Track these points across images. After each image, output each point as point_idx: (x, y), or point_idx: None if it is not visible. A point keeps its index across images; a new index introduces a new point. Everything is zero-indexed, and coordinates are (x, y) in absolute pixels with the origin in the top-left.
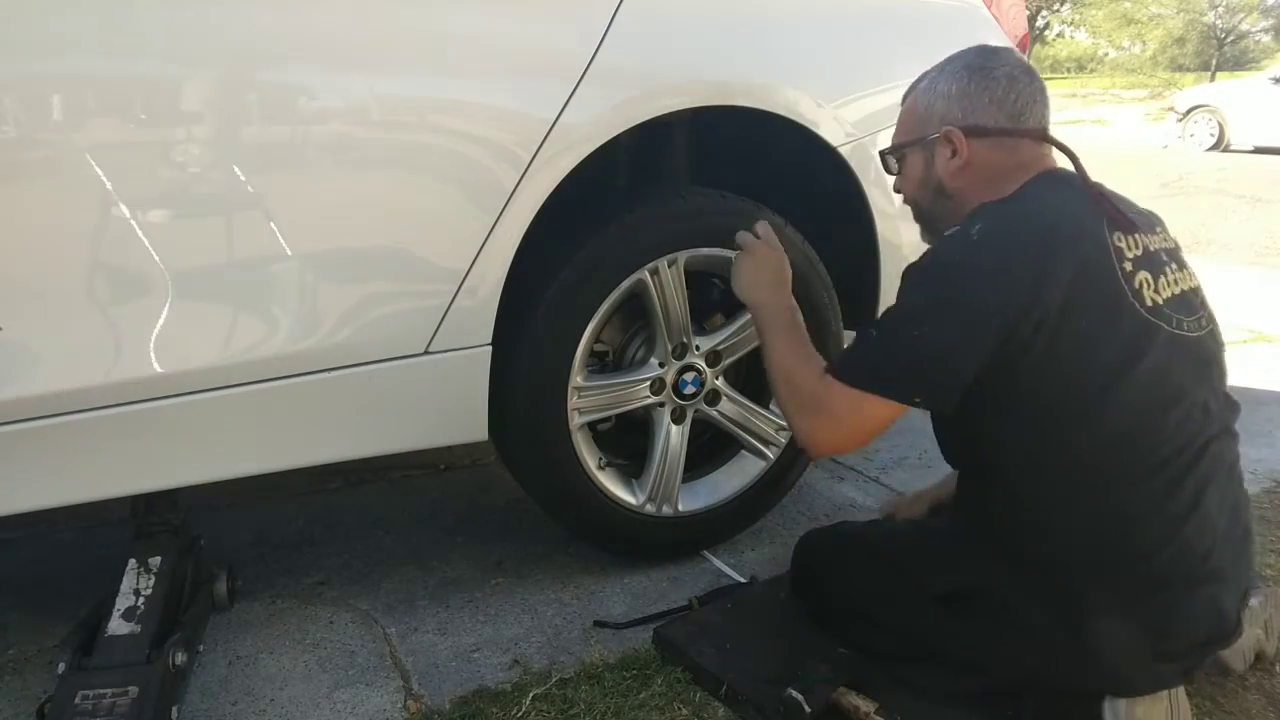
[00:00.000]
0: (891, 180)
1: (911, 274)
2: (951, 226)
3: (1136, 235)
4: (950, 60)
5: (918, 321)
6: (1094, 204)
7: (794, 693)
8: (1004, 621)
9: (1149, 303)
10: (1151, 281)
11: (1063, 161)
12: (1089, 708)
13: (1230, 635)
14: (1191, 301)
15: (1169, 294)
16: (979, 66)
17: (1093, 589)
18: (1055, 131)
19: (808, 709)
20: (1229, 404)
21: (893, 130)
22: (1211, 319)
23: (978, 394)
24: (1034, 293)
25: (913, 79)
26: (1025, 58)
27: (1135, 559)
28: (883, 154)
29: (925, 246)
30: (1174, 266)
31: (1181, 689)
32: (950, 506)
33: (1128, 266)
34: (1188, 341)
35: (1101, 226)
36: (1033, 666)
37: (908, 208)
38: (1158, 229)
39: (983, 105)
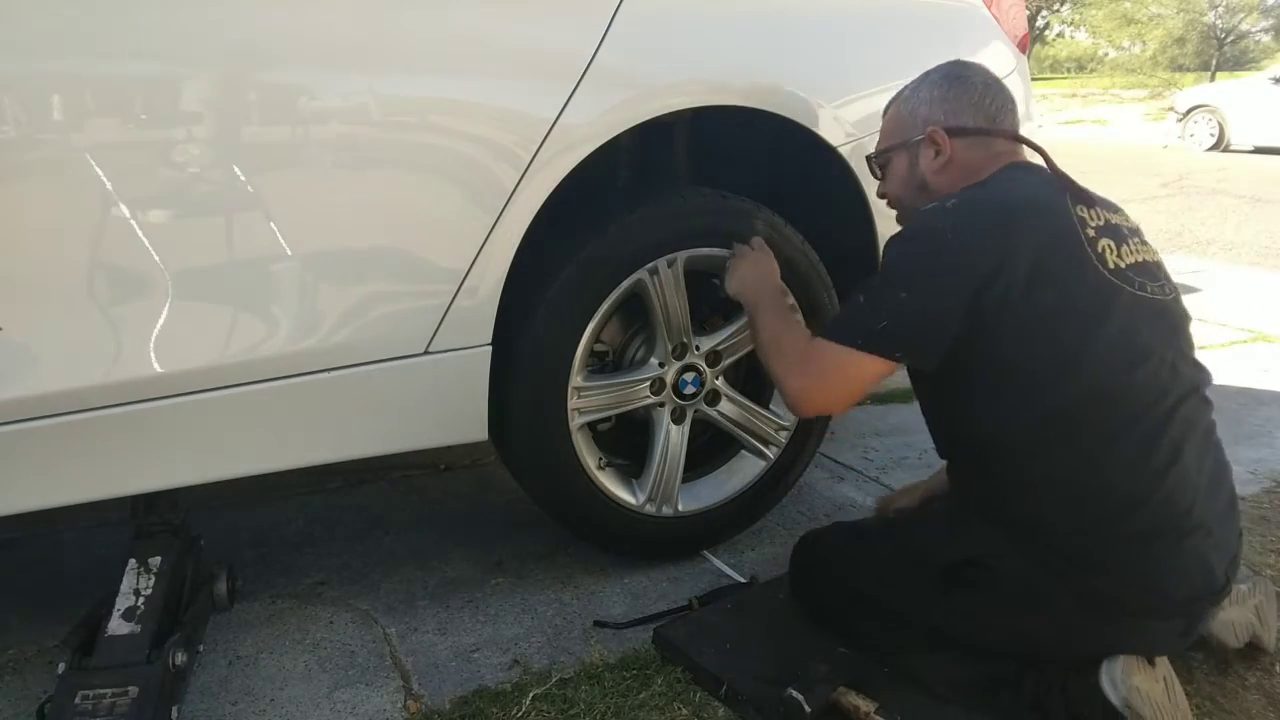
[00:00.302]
0: (877, 183)
1: (893, 242)
2: None
3: (1098, 209)
4: (928, 73)
5: (899, 282)
6: (1059, 184)
7: (794, 693)
8: (999, 590)
9: (1111, 265)
10: (1114, 248)
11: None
12: (1087, 678)
13: (1219, 592)
14: (1155, 271)
15: (1131, 260)
16: (956, 75)
17: (1080, 546)
18: (1036, 133)
19: (808, 709)
20: (1199, 368)
21: None
22: (1175, 289)
23: (962, 363)
24: (1003, 250)
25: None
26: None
27: (1118, 515)
28: (869, 159)
29: None
30: (1136, 240)
31: (1179, 684)
32: (943, 496)
33: (1090, 233)
34: (1152, 303)
35: (1065, 199)
36: (1030, 632)
37: None
38: (1119, 212)
39: (963, 108)
